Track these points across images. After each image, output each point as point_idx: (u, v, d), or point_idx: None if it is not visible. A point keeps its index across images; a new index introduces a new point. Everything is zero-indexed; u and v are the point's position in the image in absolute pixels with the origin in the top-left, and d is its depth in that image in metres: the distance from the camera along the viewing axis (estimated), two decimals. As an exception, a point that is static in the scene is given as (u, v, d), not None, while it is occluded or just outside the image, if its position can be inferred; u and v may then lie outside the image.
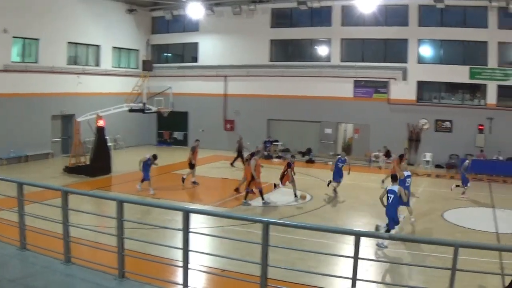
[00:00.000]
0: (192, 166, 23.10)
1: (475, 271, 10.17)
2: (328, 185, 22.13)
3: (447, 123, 32.00)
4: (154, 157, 21.32)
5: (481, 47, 31.32)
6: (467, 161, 23.07)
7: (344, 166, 21.95)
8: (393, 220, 14.63)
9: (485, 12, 30.93)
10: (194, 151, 23.31)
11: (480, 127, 31.39)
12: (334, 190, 21.92)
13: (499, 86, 31.34)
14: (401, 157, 24.08)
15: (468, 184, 22.51)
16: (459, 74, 31.37)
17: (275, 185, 21.35)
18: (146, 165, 20.90)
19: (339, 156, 22.33)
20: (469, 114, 31.54)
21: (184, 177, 23.30)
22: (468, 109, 31.82)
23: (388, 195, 14.68)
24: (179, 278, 7.69)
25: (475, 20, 31.34)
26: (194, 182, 23.25)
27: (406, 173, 17.50)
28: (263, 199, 19.69)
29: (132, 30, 35.31)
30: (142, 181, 21.12)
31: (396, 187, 14.74)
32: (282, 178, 20.74)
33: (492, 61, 31.27)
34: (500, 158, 30.19)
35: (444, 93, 32.68)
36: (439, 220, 18.42)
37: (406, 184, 17.03)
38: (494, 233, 16.72)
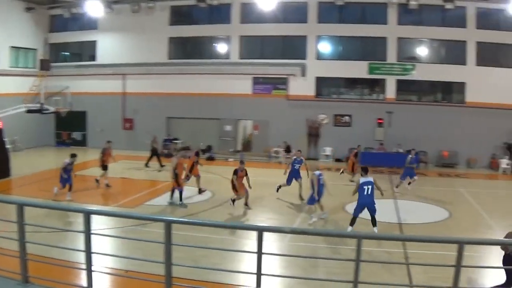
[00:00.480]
0: (104, 167, 21.94)
1: (379, 262, 10.82)
2: (277, 190, 20.38)
3: (346, 117, 32.20)
4: (73, 156, 19.46)
5: (380, 43, 31.93)
6: (409, 156, 23.02)
7: (302, 166, 20.50)
8: (375, 210, 14.95)
9: (384, 9, 31.63)
10: (104, 153, 22.27)
11: (380, 121, 31.69)
12: (300, 195, 20.14)
13: (398, 81, 31.89)
14: (355, 154, 25.43)
15: (415, 177, 22.57)
16: (358, 69, 31.79)
17: (233, 201, 17.95)
18: (67, 170, 19.16)
19: (295, 157, 20.69)
20: (368, 108, 31.85)
21: (97, 179, 22.06)
22: (367, 103, 32.15)
23: (365, 187, 14.74)
24: (83, 281, 7.50)
25: (375, 16, 32.02)
26: (107, 185, 21.85)
27: (317, 173, 16.92)
28: (181, 199, 18.68)
29: (30, 29, 34.69)
30: (70, 189, 19.30)
31: (371, 178, 14.94)
32: (234, 188, 17.79)
33: (391, 56, 31.88)
34: (400, 150, 30.27)
35: (343, 88, 32.97)
36: (342, 213, 18.35)
37: (321, 183, 16.85)
38: (396, 223, 17.00)
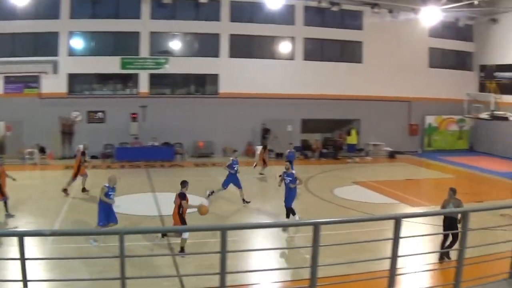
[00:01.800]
0: None
1: (143, 255, 11.56)
2: (208, 196, 20.27)
3: (100, 113, 32.96)
4: None
5: (134, 38, 32.88)
6: (288, 150, 24.82)
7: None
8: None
9: (138, 3, 32.64)
10: None
11: (134, 116, 32.54)
12: (243, 200, 20.27)
13: (151, 75, 33.00)
14: (265, 147, 26.69)
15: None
16: (111, 65, 32.72)
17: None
18: None
19: (232, 159, 20.62)
20: (122, 103, 32.77)
21: None
22: (120, 98, 33.06)
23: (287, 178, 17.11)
24: None
25: (128, 11, 33.01)
26: None
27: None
28: (7, 211, 17.76)
29: None
30: None
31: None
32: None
33: (144, 51, 32.98)
34: (156, 144, 31.71)
35: (96, 84, 33.77)
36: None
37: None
38: (157, 216, 18.14)
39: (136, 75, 33.10)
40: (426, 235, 14.31)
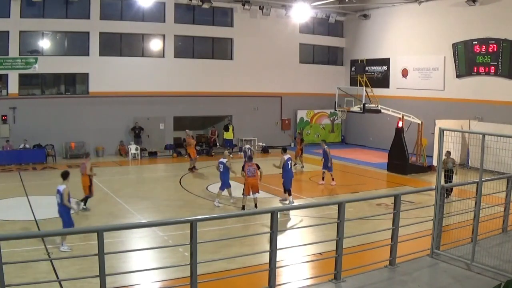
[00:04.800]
0: None
1: (22, 261, 11.27)
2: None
3: None
4: None
5: (2, 37, 35.23)
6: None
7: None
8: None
9: (7, 2, 34.97)
10: None
11: (4, 118, 35.10)
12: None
13: (21, 75, 35.50)
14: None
15: None
16: (-21, 66, 35.01)
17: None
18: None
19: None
20: (-10, 105, 35.21)
21: None
22: (-11, 100, 35.52)
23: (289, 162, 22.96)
24: None
25: (-2, 10, 35.30)
26: None
27: None
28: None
29: None
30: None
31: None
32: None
33: (14, 50, 35.32)
34: (27, 146, 34.36)
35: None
36: None
37: None
38: (33, 220, 18.94)
39: (5, 75, 35.42)
40: (303, 227, 17.08)
